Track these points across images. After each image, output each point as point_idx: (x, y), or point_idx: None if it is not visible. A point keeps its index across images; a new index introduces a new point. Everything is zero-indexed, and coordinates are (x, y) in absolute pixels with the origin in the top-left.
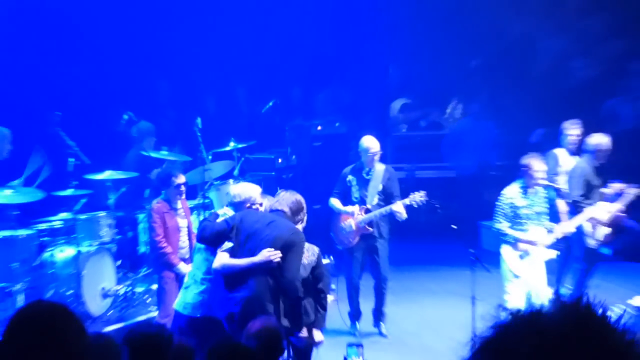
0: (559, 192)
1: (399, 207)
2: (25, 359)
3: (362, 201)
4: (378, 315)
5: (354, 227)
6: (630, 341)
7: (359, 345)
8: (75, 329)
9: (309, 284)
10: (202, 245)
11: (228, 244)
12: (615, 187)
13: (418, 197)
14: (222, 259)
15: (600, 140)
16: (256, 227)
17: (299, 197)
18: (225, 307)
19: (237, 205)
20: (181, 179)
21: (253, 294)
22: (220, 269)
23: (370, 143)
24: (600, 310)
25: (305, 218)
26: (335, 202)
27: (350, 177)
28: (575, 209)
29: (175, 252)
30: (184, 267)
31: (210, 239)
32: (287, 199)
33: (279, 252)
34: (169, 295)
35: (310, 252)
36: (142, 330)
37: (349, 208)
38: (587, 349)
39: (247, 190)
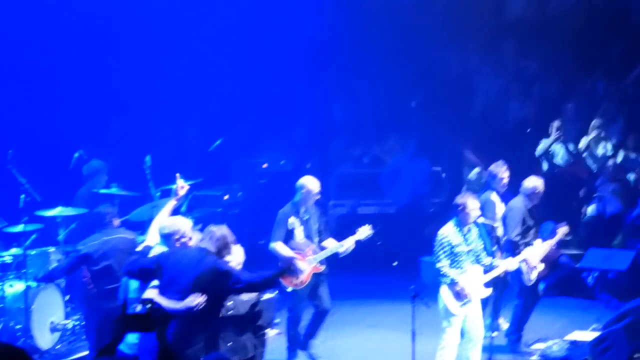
0: (491, 232)
1: (350, 242)
2: None
3: (309, 241)
4: (310, 338)
5: (308, 268)
6: None
7: None
8: None
9: (247, 320)
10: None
11: (155, 282)
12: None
13: (367, 230)
14: (152, 294)
15: (535, 182)
16: (181, 268)
17: (225, 231)
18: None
19: (166, 237)
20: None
21: (174, 338)
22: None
23: (313, 184)
24: None
25: (234, 248)
26: (279, 247)
27: (292, 219)
28: (512, 248)
29: None
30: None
31: (138, 274)
32: (213, 235)
33: (202, 298)
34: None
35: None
36: None
37: (293, 252)
38: None
39: (176, 223)
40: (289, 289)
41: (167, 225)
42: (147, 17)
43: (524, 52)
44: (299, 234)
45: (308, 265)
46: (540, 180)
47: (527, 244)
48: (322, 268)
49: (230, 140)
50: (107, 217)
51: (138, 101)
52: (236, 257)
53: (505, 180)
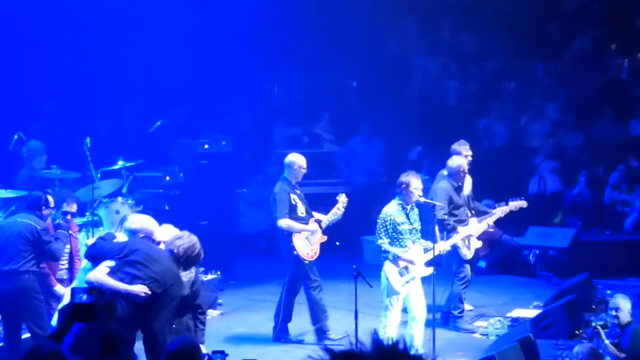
0: (432, 210)
1: (340, 210)
2: None
3: (309, 215)
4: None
5: (318, 240)
6: None
7: (224, 354)
8: None
9: (188, 300)
10: (89, 264)
11: (110, 262)
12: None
13: (344, 197)
14: (100, 273)
15: (459, 161)
16: (145, 260)
17: (195, 245)
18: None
19: (132, 233)
20: (72, 207)
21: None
22: (94, 281)
23: (301, 160)
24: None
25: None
26: (290, 222)
27: (292, 196)
28: (442, 227)
29: (53, 274)
30: (60, 289)
31: (98, 256)
32: (184, 245)
33: (149, 291)
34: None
35: (187, 270)
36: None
37: (310, 226)
38: None
39: (144, 223)
40: (306, 261)
41: (135, 221)
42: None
43: (462, 30)
44: (300, 208)
45: (317, 236)
46: (463, 160)
47: (460, 222)
48: (326, 238)
49: (171, 121)
50: (40, 203)
51: (76, 82)
52: (166, 236)
53: (470, 159)
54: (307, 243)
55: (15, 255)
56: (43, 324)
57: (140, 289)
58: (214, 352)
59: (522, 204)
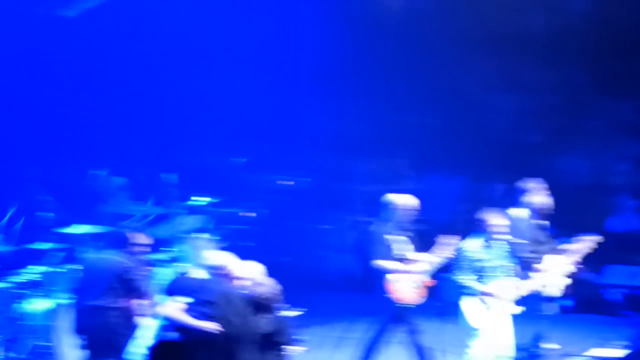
0: (515, 249)
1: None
2: None
3: (404, 257)
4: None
5: (419, 283)
6: None
7: None
8: None
9: (271, 337)
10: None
11: (186, 299)
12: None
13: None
14: (174, 309)
15: (542, 199)
16: (219, 300)
17: (275, 296)
18: None
19: (211, 270)
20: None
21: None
22: (167, 316)
23: (404, 201)
24: None
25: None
26: (384, 263)
27: (389, 236)
28: (524, 265)
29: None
30: (140, 320)
31: (176, 292)
32: (265, 294)
33: (221, 329)
34: None
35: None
36: None
37: (407, 267)
38: None
39: (224, 260)
40: (404, 304)
41: (215, 258)
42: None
43: (543, 67)
44: (398, 249)
45: (416, 280)
46: (547, 198)
47: (543, 260)
48: (435, 282)
49: (255, 158)
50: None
51: (161, 118)
52: (250, 273)
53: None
54: (407, 285)
55: (103, 292)
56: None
57: (212, 326)
58: None
59: (597, 239)
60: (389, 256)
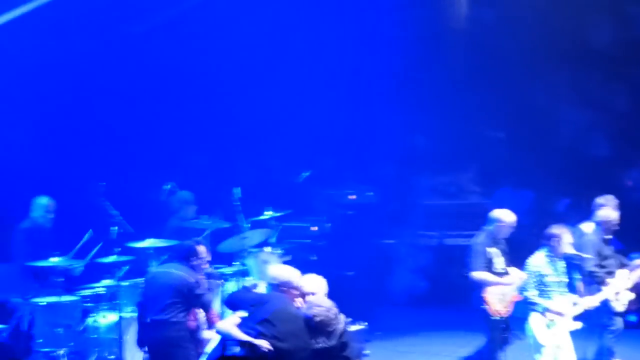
0: (581, 264)
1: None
2: None
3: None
4: None
5: (510, 297)
6: None
7: None
8: None
9: (336, 352)
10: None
11: (243, 313)
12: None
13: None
14: (229, 323)
15: (608, 212)
16: (274, 318)
17: (332, 320)
18: None
19: (272, 285)
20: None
21: None
22: (222, 330)
23: (508, 216)
24: None
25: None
26: (485, 275)
27: (490, 249)
28: (590, 279)
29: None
30: (204, 334)
31: (234, 305)
32: (321, 317)
33: (271, 348)
34: None
35: (340, 320)
36: None
37: (505, 279)
38: None
39: (285, 275)
40: (495, 317)
41: (277, 273)
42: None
43: (612, 81)
44: (499, 263)
45: (509, 293)
46: (613, 211)
47: (609, 274)
48: (522, 297)
49: (318, 172)
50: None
51: (224, 132)
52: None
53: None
54: (502, 299)
55: (167, 307)
56: None
57: (263, 344)
58: None
59: None
60: (490, 269)
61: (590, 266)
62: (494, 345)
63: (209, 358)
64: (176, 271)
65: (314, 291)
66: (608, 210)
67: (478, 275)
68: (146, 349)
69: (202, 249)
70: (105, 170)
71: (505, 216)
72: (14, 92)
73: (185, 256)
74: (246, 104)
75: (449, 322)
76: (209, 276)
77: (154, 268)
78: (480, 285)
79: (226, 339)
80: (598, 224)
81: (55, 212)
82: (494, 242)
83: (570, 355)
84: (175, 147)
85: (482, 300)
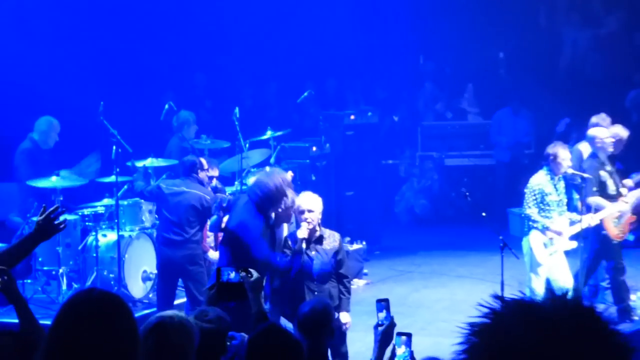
0: (581, 183)
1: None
2: (76, 345)
3: (619, 193)
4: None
5: (628, 219)
6: (615, 331)
7: (409, 335)
8: (126, 317)
9: (333, 269)
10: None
11: None
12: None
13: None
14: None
15: (617, 130)
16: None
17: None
18: None
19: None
20: (215, 172)
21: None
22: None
23: (603, 133)
24: (587, 302)
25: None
26: (600, 200)
27: (602, 173)
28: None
29: (204, 240)
30: (212, 254)
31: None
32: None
33: None
34: None
35: (332, 239)
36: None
37: (619, 205)
38: (580, 340)
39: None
40: (614, 241)
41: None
42: None
43: (612, 2)
44: (611, 186)
45: (626, 216)
46: (621, 128)
47: (609, 196)
48: (634, 218)
49: (318, 92)
50: (195, 167)
51: (225, 53)
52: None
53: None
54: (617, 222)
55: (186, 225)
56: (203, 289)
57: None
58: (399, 333)
59: None
60: (604, 192)
61: (590, 186)
62: (617, 271)
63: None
64: (189, 189)
65: (311, 209)
66: (619, 127)
67: (593, 200)
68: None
69: (204, 162)
70: (104, 90)
71: (601, 133)
72: (15, 10)
73: (190, 170)
74: (246, 22)
75: (448, 241)
76: (215, 190)
77: (165, 185)
78: (596, 209)
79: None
80: (599, 144)
81: (58, 132)
82: (603, 165)
83: (565, 274)
84: (174, 67)
85: (600, 226)
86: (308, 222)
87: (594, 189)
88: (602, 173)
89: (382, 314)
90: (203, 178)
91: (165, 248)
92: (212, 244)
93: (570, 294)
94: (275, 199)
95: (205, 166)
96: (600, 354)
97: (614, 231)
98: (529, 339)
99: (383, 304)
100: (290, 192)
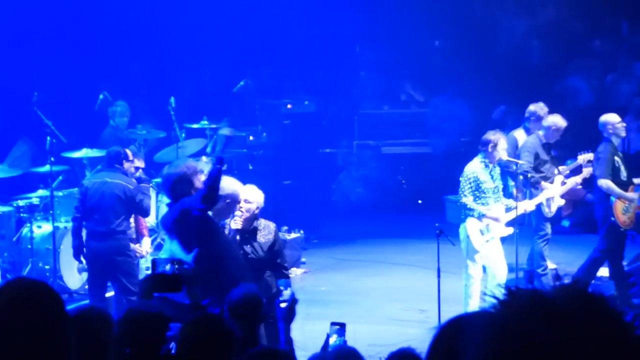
0: (516, 169)
1: None
2: (6, 335)
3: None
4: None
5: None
6: (628, 322)
7: (342, 324)
8: (55, 305)
9: (267, 261)
10: None
11: None
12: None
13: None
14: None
15: (555, 120)
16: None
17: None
18: None
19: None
20: (141, 163)
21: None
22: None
23: (556, 120)
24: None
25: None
26: (612, 185)
27: (617, 158)
28: (526, 182)
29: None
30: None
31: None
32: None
33: None
34: None
35: (266, 231)
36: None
37: (630, 194)
38: (591, 330)
39: (232, 187)
40: (622, 229)
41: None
42: None
43: None
44: (623, 171)
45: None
46: (559, 118)
47: (545, 179)
48: None
49: (254, 81)
50: (120, 158)
51: (159, 41)
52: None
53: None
54: (626, 210)
55: (110, 215)
56: (135, 280)
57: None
58: (333, 323)
59: (590, 156)
60: (617, 178)
61: (526, 172)
62: (615, 257)
63: (140, 280)
64: (112, 179)
65: (248, 199)
66: (555, 117)
67: (605, 183)
68: (83, 260)
69: (129, 153)
70: (38, 80)
71: (614, 118)
72: None
73: (115, 161)
74: (182, 9)
75: (385, 229)
76: (139, 181)
77: (87, 179)
78: (607, 196)
79: (156, 259)
80: (545, 128)
81: None
82: (616, 150)
83: (501, 260)
84: (108, 56)
85: (610, 212)
86: (242, 212)
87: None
88: (616, 158)
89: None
90: (128, 169)
91: (91, 240)
92: (134, 235)
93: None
94: (187, 179)
95: (131, 157)
96: (612, 344)
97: (622, 218)
98: (540, 329)
99: (338, 328)
100: (233, 186)
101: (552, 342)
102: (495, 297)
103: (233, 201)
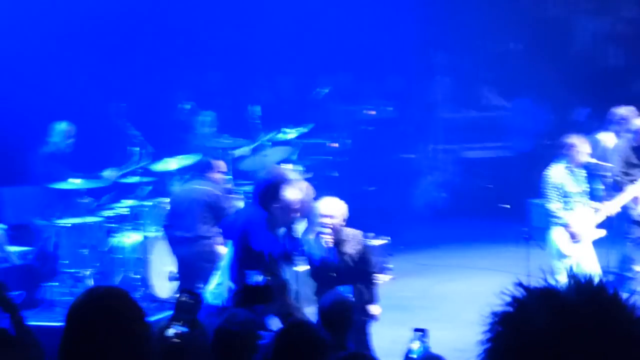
0: (604, 173)
1: None
2: (86, 343)
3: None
4: None
5: None
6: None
7: (424, 330)
8: (134, 313)
9: (356, 270)
10: None
11: None
12: None
13: None
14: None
15: (634, 123)
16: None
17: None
18: None
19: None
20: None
21: None
22: None
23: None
24: (612, 290)
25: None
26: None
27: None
28: (616, 186)
29: None
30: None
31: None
32: None
33: None
34: None
35: (355, 241)
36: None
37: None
38: (603, 326)
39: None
40: None
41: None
42: None
43: None
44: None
45: None
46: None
47: (632, 182)
48: None
49: (337, 88)
50: (209, 167)
51: (242, 51)
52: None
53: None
54: None
55: (197, 222)
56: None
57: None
58: (415, 329)
59: None
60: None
61: (611, 176)
62: None
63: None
64: (199, 186)
65: (331, 214)
66: (634, 120)
67: None
68: (176, 266)
69: (219, 163)
70: (125, 91)
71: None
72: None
73: (204, 170)
74: (265, 21)
75: (469, 234)
76: (228, 191)
77: (177, 187)
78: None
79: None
80: (634, 132)
81: (74, 136)
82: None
83: (592, 264)
84: (194, 67)
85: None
86: (325, 229)
87: None
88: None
89: (416, 344)
90: (217, 178)
91: (178, 246)
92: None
93: (594, 281)
94: (274, 188)
95: (221, 167)
96: (625, 342)
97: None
98: (553, 327)
99: (419, 334)
100: (294, 193)
101: (565, 340)
102: (512, 295)
103: (286, 207)
